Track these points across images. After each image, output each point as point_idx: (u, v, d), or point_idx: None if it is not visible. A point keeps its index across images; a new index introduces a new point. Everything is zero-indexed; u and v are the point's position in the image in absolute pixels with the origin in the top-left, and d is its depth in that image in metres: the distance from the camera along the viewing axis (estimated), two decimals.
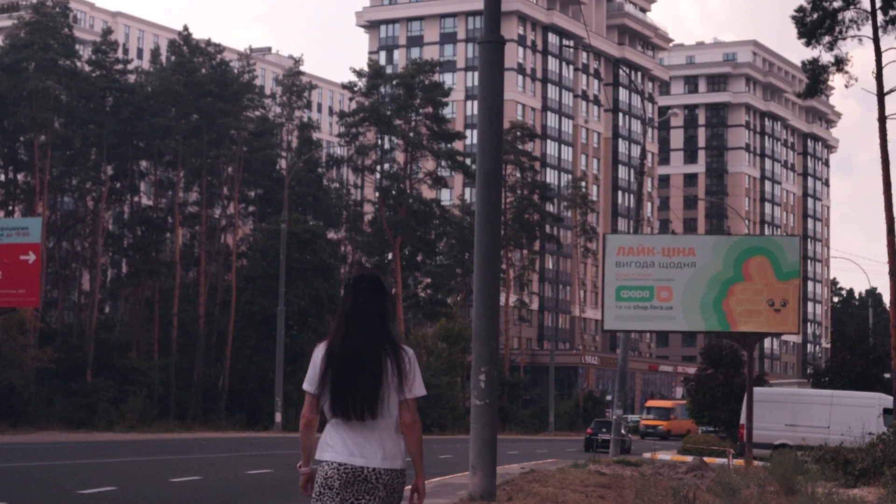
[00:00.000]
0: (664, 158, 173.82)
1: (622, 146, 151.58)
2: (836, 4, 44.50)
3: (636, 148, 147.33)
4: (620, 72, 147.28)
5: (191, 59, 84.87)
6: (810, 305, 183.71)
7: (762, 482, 25.50)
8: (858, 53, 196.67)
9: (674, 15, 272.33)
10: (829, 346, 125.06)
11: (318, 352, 7.24)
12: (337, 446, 7.16)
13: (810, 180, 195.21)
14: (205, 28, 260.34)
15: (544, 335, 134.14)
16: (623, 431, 71.09)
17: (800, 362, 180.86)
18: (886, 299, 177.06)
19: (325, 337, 7.39)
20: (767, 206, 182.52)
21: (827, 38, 45.02)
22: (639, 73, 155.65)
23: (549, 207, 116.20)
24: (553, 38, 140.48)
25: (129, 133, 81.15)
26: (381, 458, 7.17)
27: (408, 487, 7.43)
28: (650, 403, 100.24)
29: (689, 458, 41.37)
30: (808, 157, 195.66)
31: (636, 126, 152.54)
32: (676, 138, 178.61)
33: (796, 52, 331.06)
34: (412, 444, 7.35)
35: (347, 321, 7.25)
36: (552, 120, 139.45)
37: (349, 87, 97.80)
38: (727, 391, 61.93)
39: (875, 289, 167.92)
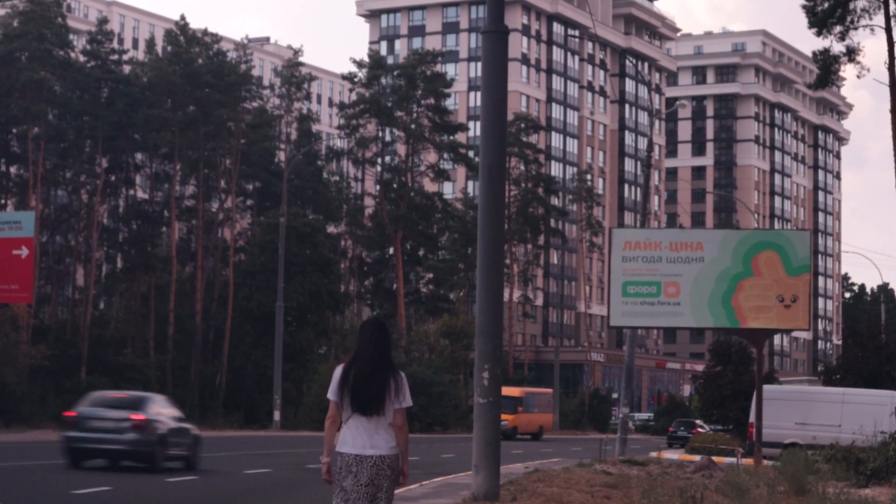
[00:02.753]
0: (671, 151, 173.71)
1: (629, 138, 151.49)
2: None
3: (643, 140, 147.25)
4: (627, 62, 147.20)
5: (187, 49, 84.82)
6: (821, 301, 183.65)
7: (772, 482, 25.48)
8: (870, 43, 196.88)
9: (681, 4, 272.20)
10: (840, 342, 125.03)
11: (338, 371, 10.55)
12: (350, 442, 10.46)
13: (821, 173, 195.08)
14: (202, 17, 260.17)
15: (549, 331, 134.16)
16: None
17: (810, 359, 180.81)
18: None
19: (342, 360, 10.78)
20: (777, 200, 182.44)
21: (838, 28, 45.01)
22: (646, 64, 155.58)
23: (554, 201, 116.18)
24: (558, 28, 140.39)
25: (124, 125, 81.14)
26: (384, 448, 10.45)
27: None
28: None
29: (697, 458, 41.35)
30: (819, 150, 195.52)
31: (643, 118, 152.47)
32: (684, 130, 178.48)
33: (807, 42, 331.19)
34: (401, 439, 10.55)
35: (365, 350, 10.56)
36: (557, 111, 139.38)
37: (349, 77, 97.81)
38: (736, 389, 61.90)
39: (888, 284, 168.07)
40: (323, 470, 10.59)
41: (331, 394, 10.49)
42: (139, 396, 32.86)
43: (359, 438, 10.42)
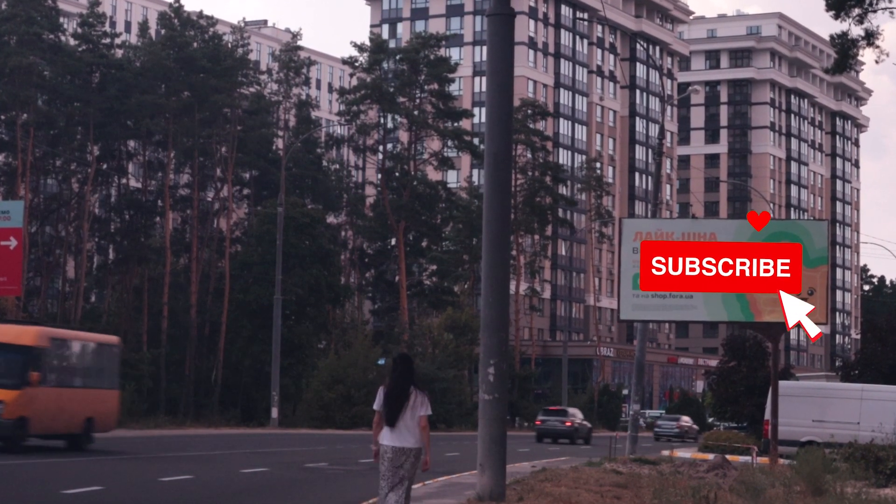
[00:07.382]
0: (684, 138, 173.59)
1: (639, 125, 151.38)
2: None
3: (654, 127, 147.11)
4: (638, 46, 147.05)
5: (182, 32, 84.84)
6: (839, 294, 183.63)
7: (788, 481, 25.49)
8: (890, 27, 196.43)
9: None
10: (858, 336, 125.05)
11: (381, 391, 16.12)
12: (388, 436, 16.05)
13: (839, 161, 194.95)
14: None
15: (557, 325, 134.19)
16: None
17: (828, 354, 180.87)
18: None
19: (383, 382, 16.55)
20: (794, 189, 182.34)
21: (857, 11, 44.84)
22: (657, 48, 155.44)
23: (562, 190, 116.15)
24: (566, 11, 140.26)
25: (116, 111, 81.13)
26: (412, 442, 16.04)
27: None
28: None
29: (710, 456, 41.37)
30: (837, 137, 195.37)
31: (654, 104, 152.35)
32: (697, 117, 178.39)
33: (824, 25, 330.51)
34: (425, 437, 16.15)
35: (395, 377, 16.16)
36: (565, 97, 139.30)
37: (350, 62, 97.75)
38: (751, 385, 61.84)
39: None
40: (374, 453, 16.21)
41: (376, 406, 16.17)
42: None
43: (394, 433, 16.01)
